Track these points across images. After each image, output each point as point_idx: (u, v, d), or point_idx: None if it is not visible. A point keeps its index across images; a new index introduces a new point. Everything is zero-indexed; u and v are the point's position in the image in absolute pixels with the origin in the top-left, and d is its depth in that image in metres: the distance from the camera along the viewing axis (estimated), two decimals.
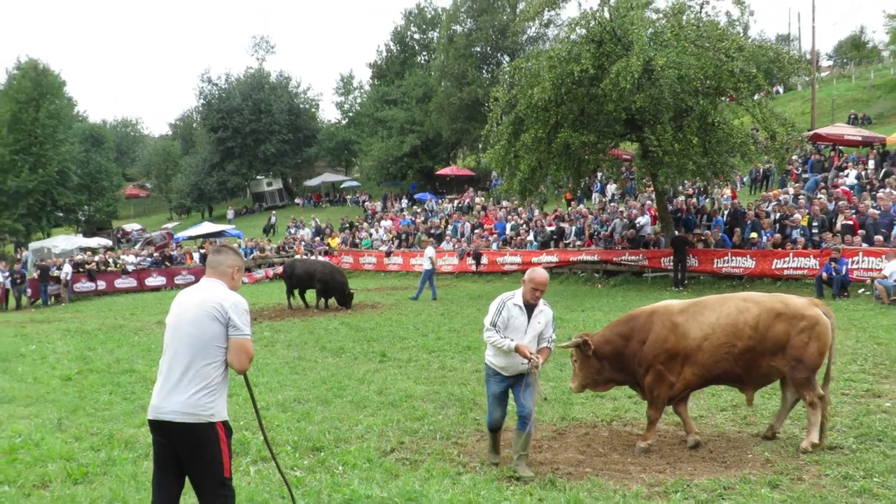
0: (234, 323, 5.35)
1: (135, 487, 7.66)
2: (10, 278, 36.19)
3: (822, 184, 30.69)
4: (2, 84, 75.92)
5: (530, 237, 34.84)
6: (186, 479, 5.49)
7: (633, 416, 10.17)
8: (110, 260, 41.36)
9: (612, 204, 36.75)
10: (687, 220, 29.42)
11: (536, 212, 37.58)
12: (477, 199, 48.32)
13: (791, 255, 24.32)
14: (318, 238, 47.92)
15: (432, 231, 42.10)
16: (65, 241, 54.30)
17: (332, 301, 25.34)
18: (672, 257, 26.82)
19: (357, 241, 45.55)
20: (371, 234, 45.90)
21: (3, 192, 65.41)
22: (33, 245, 54.60)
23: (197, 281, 5.79)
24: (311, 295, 25.97)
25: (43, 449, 9.18)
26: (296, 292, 25.96)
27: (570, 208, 37.66)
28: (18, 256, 51.89)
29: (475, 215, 43.14)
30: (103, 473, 8.28)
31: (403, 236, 42.73)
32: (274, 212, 64.58)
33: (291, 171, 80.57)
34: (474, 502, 7.15)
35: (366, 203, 62.04)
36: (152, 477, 5.55)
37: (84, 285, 37.64)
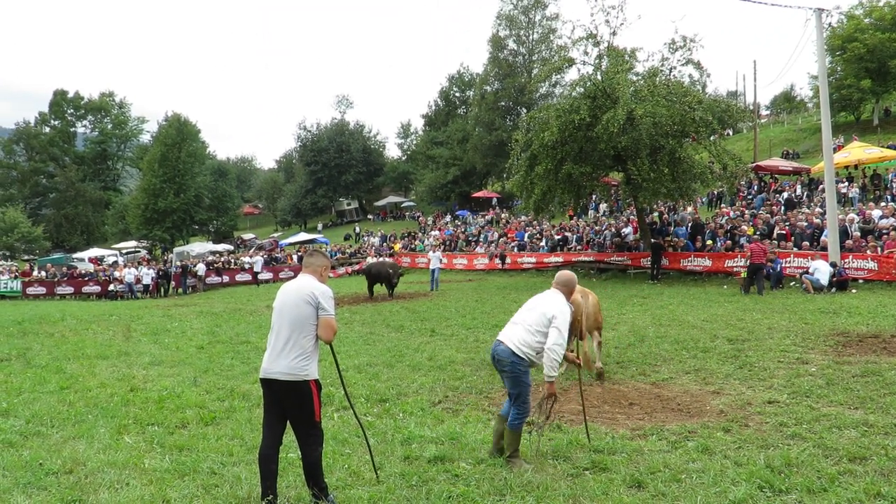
0: (322, 306, 5.36)
1: (249, 428, 7.72)
2: (158, 274, 36.73)
3: (767, 201, 30.27)
4: (154, 132, 77.40)
5: (542, 243, 34.77)
6: (288, 422, 5.52)
7: (619, 377, 10.07)
8: (232, 260, 41.84)
9: (603, 218, 36.53)
10: (660, 229, 29.09)
11: (546, 224, 37.41)
12: (502, 215, 48.23)
13: (739, 256, 23.94)
14: (384, 244, 48.12)
15: (469, 239, 42.12)
16: (199, 247, 55.18)
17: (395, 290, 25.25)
18: (650, 258, 26.51)
19: (413, 246, 45.69)
20: (424, 241, 46.00)
21: (155, 210, 66.60)
22: (177, 249, 55.46)
23: (296, 276, 5.83)
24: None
25: (183, 399, 9.29)
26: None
27: (571, 221, 37.40)
28: (165, 258, 52.66)
29: (502, 227, 43.10)
30: (227, 418, 8.35)
31: (448, 242, 42.80)
32: (357, 224, 64.78)
33: (365, 194, 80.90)
34: None
35: (420, 218, 62.23)
36: (263, 420, 5.57)
37: (213, 279, 38.09)
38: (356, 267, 41.87)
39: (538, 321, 6.26)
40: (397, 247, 46.04)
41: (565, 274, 6.73)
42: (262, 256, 42.28)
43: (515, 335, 6.31)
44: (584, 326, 9.98)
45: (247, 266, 40.55)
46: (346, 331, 15.90)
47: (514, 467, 6.24)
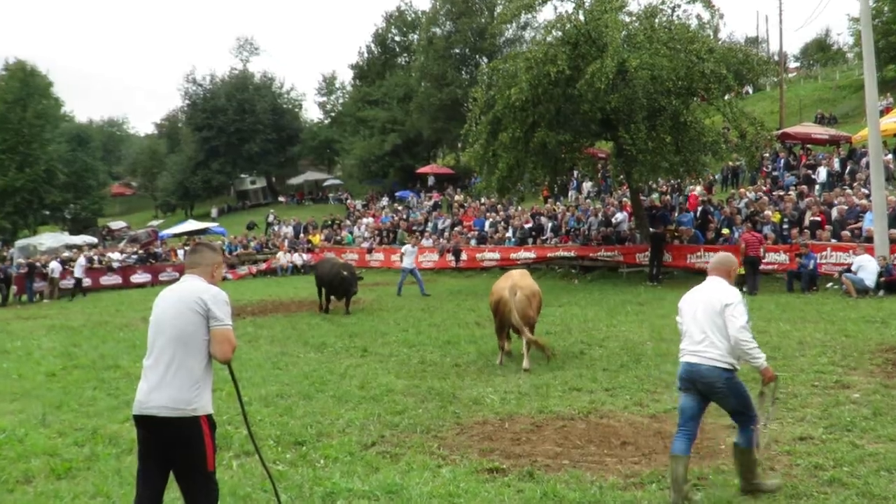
0: (213, 314, 5.31)
1: (118, 482, 7.57)
2: None
3: (798, 182, 30.70)
4: None
5: (509, 233, 34.94)
6: (171, 473, 5.42)
7: (609, 409, 10.13)
8: (96, 257, 41.03)
9: (587, 201, 36.80)
10: (661, 215, 29.32)
11: (513, 209, 37.55)
12: (456, 197, 48.25)
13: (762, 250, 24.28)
14: (300, 235, 47.73)
15: (414, 228, 42.05)
16: (51, 239, 53.91)
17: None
18: (648, 253, 26.80)
19: (339, 238, 45.47)
20: (353, 232, 45.84)
21: None
22: (19, 243, 54.19)
23: (180, 278, 5.73)
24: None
25: (27, 444, 9.08)
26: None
27: (546, 205, 37.58)
28: (5, 254, 51.43)
29: (455, 212, 43.10)
30: (87, 469, 8.19)
31: (385, 233, 42.68)
32: (272, 211, 63.69)
33: (275, 169, 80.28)
34: (454, 494, 7.09)
35: (348, 201, 62.01)
36: (137, 471, 5.48)
37: (70, 282, 37.33)
38: (263, 266, 41.53)
39: (715, 320, 6.83)
40: (317, 239, 45.65)
41: (721, 255, 7.46)
42: (86, 256, 41.12)
43: (710, 350, 6.79)
44: (514, 320, 12.86)
45: (115, 265, 39.82)
46: (250, 351, 15.77)
47: (768, 487, 6.91)
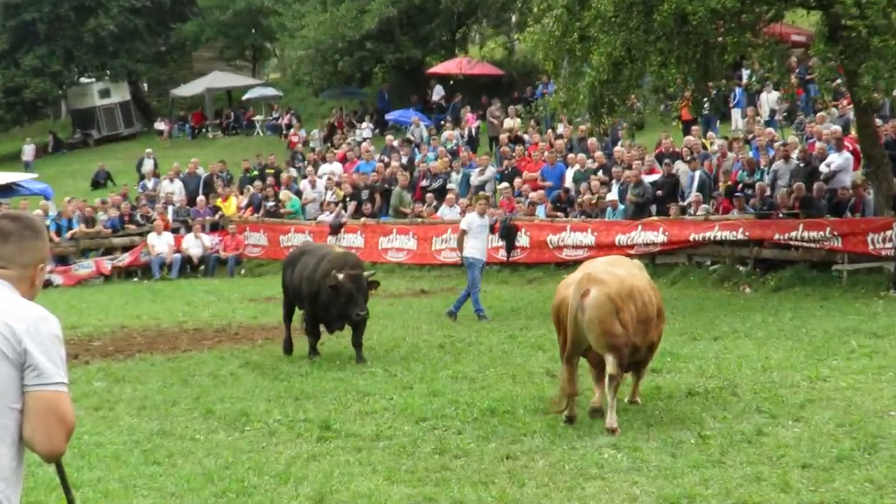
0: (34, 361, 5.11)
1: None
2: None
3: None
4: None
5: (611, 194, 34.79)
6: None
7: None
8: None
9: (769, 131, 36.56)
10: None
11: (620, 146, 37.39)
12: (507, 122, 48.19)
13: None
14: (201, 198, 47.38)
15: (424, 184, 41.66)
16: None
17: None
18: (892, 233, 26.57)
19: (276, 205, 45.20)
20: (301, 191, 45.67)
21: None
22: None
23: None
24: None
25: None
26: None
27: (687, 138, 37.42)
28: None
29: (503, 154, 42.91)
30: None
31: (365, 194, 42.41)
32: (149, 150, 62.76)
33: (148, 68, 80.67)
34: None
35: (292, 130, 62.02)
36: None
37: None
38: (124, 259, 41.54)
39: None
40: (230, 206, 45.38)
41: None
42: None
43: None
44: (570, 339, 14.54)
45: None
46: (99, 427, 15.86)
47: None
